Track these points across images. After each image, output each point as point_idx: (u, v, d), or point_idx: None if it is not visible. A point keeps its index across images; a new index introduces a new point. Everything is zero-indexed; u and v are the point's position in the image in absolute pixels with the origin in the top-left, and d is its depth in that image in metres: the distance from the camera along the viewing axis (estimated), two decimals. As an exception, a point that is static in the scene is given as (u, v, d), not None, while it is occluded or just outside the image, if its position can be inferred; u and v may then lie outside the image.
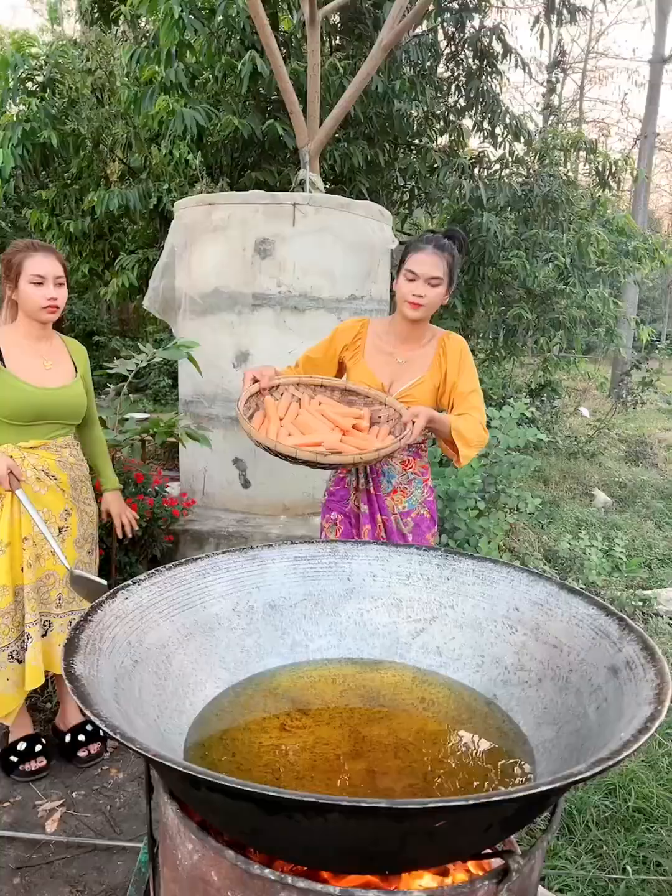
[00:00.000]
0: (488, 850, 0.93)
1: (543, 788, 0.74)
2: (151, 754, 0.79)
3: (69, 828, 2.10)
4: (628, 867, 1.88)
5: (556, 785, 0.75)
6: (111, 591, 1.29)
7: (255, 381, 2.06)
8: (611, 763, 0.80)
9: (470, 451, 2.03)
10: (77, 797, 2.22)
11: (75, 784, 2.28)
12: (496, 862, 0.95)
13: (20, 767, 2.26)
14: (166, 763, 0.77)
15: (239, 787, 0.73)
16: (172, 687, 1.25)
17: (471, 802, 0.72)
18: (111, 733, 0.83)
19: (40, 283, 2.02)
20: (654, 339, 8.11)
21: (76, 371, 2.22)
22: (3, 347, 2.08)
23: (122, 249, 6.30)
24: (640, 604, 3.45)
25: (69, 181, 6.38)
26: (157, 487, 3.11)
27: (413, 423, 1.94)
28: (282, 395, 2.12)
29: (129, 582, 1.33)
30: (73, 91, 6.00)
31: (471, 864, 0.99)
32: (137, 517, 2.50)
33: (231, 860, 0.90)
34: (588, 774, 0.78)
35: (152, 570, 1.38)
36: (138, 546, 3.03)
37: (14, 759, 2.28)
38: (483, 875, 0.89)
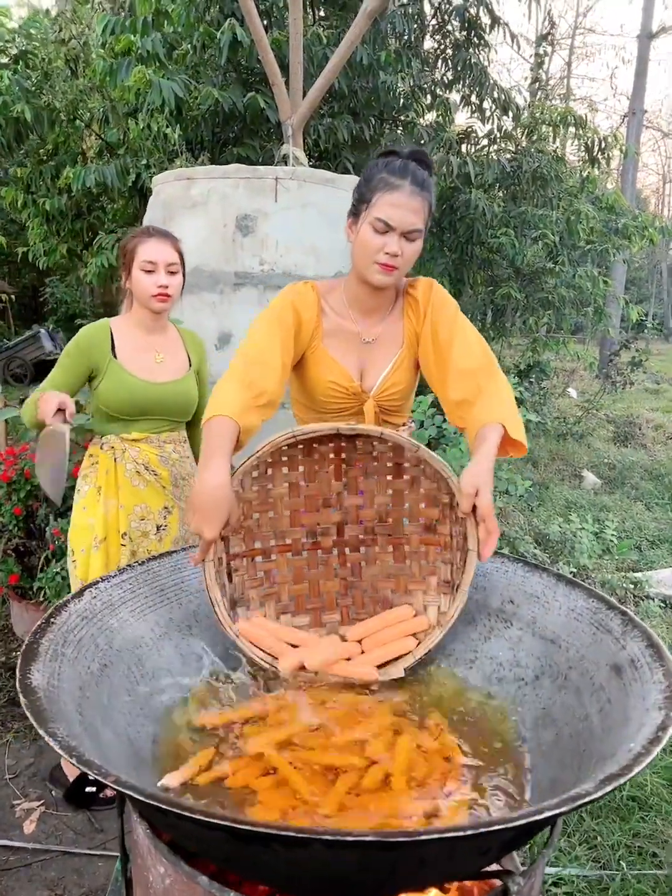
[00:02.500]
0: (486, 869, 0.86)
1: (549, 814, 0.67)
2: (111, 781, 0.70)
3: (48, 828, 2.03)
4: (624, 859, 1.83)
5: (563, 809, 0.68)
6: (78, 589, 1.21)
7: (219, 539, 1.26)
8: (622, 780, 0.73)
9: (521, 424, 1.37)
10: (57, 796, 2.14)
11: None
12: (495, 881, 0.87)
13: (100, 795, 2.09)
14: (126, 792, 0.69)
15: (206, 819, 0.65)
16: (146, 691, 1.17)
17: (468, 833, 0.64)
18: (66, 756, 0.74)
19: (151, 271, 1.90)
20: (643, 318, 8.05)
21: (190, 365, 2.09)
22: (117, 338, 1.97)
23: (101, 229, 6.13)
24: (632, 587, 3.41)
25: (44, 157, 6.18)
26: (137, 474, 3.00)
27: (479, 508, 1.20)
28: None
29: (98, 579, 1.24)
30: (46, 63, 5.78)
31: (468, 883, 0.92)
32: None
33: (205, 887, 0.83)
34: (597, 795, 0.70)
35: (123, 566, 1.29)
36: (118, 535, 2.94)
37: (90, 788, 2.10)
38: (481, 898, 0.82)
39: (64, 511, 2.89)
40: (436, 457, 1.26)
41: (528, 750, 1.08)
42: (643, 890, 1.72)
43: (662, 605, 3.35)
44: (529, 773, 1.04)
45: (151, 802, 0.67)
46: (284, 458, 1.36)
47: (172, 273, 1.94)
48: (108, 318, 2.03)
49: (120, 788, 0.69)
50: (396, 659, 1.27)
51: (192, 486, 1.89)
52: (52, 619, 1.07)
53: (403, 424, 1.66)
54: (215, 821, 0.64)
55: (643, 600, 3.35)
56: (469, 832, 0.64)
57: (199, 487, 1.23)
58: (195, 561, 1.26)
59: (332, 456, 1.37)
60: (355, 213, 1.48)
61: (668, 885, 1.73)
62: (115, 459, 1.99)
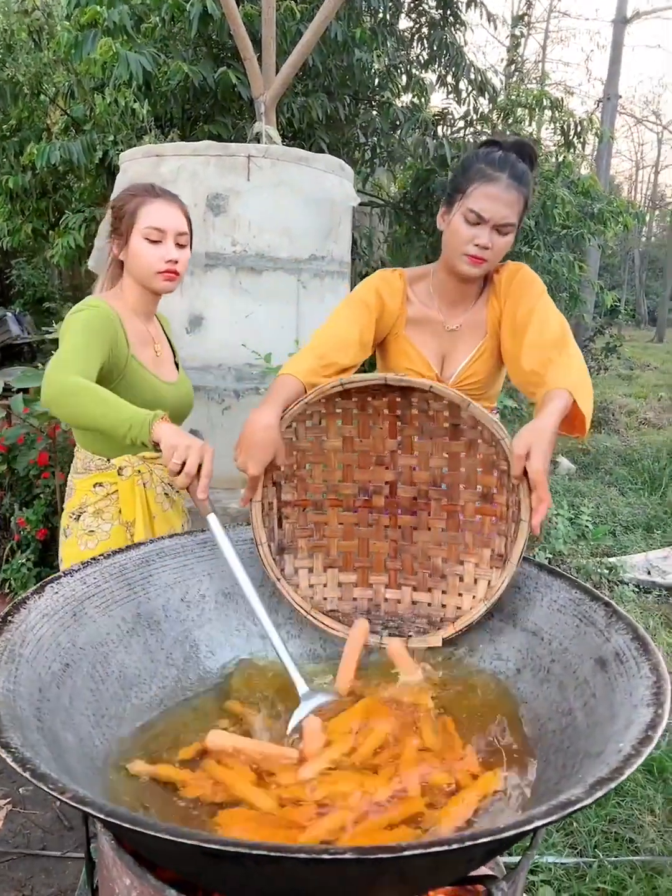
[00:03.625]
0: (468, 875, 0.82)
1: (538, 823, 0.63)
2: (67, 797, 0.65)
3: (16, 826, 1.97)
4: (601, 846, 1.83)
5: (553, 818, 0.64)
6: (38, 584, 1.14)
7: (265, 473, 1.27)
8: (612, 784, 0.69)
9: (591, 397, 1.30)
10: (25, 793, 2.08)
11: (23, 779, 2.14)
12: (478, 887, 0.84)
13: None
14: (85, 809, 0.63)
15: (171, 838, 0.60)
16: (111, 691, 1.11)
17: (453, 847, 0.60)
18: (19, 769, 0.69)
19: (158, 241, 1.52)
20: (617, 304, 8.10)
21: (176, 358, 1.75)
22: (125, 326, 1.55)
23: (67, 208, 5.93)
24: (607, 572, 3.42)
25: (7, 133, 5.96)
26: (106, 461, 2.92)
27: (528, 472, 1.12)
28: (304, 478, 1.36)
29: (60, 573, 1.18)
30: (8, 35, 5.56)
31: (451, 889, 0.89)
32: None
33: (173, 901, 0.78)
34: (588, 801, 0.66)
35: (86, 560, 1.22)
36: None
37: None
38: (463, 906, 0.78)
39: (29, 500, 2.81)
40: (489, 416, 1.17)
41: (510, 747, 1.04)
42: (620, 876, 1.72)
43: (636, 589, 3.38)
44: (511, 769, 1.01)
45: (111, 820, 0.62)
46: (339, 411, 1.32)
47: (182, 246, 1.57)
48: (99, 298, 1.57)
49: (78, 806, 0.63)
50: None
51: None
52: (9, 618, 1.01)
53: (488, 409, 1.57)
54: (181, 840, 0.59)
55: (618, 585, 3.37)
56: (454, 846, 0.60)
57: (248, 426, 1.24)
58: (243, 501, 1.28)
59: (386, 412, 1.30)
60: (449, 202, 1.46)
61: (644, 871, 1.73)
62: (143, 484, 1.59)
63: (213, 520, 1.17)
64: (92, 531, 1.59)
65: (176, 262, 1.55)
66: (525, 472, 1.12)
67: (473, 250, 1.42)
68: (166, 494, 1.66)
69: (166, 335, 1.75)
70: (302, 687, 1.12)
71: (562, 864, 1.77)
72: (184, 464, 1.17)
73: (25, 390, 2.96)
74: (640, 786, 2.06)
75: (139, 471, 1.60)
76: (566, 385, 1.24)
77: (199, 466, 1.18)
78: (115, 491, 1.59)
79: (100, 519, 1.60)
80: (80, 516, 1.60)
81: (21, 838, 1.92)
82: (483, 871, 0.85)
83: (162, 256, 1.53)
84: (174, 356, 1.75)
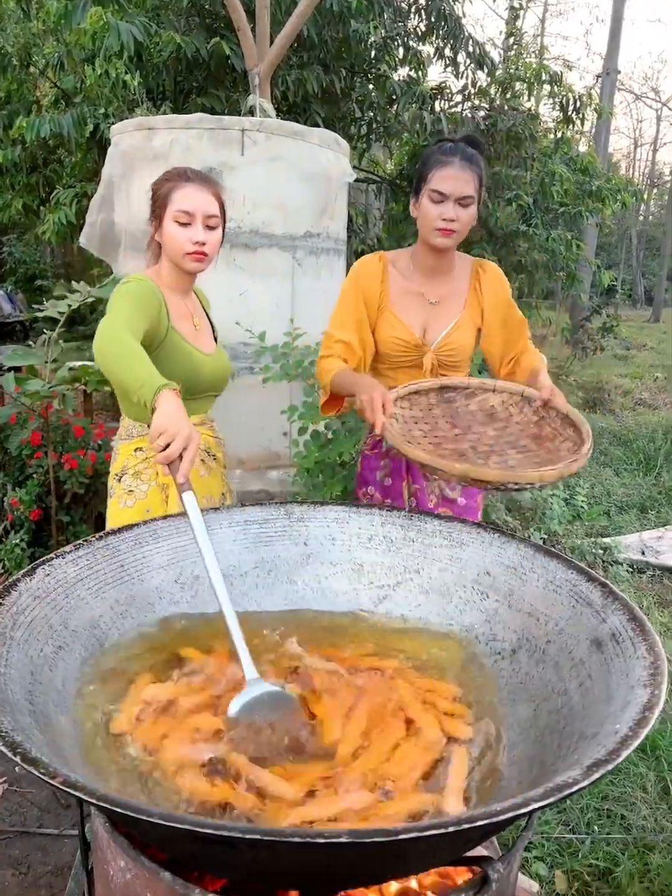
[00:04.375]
0: (464, 856, 0.82)
1: (535, 806, 0.62)
2: (58, 782, 0.64)
3: (12, 805, 1.97)
4: (594, 823, 1.85)
5: (550, 800, 0.63)
6: (29, 566, 1.12)
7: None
8: (609, 766, 0.69)
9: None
10: (21, 772, 2.09)
11: (18, 758, 2.14)
12: (474, 868, 0.84)
13: None
14: (76, 794, 0.62)
15: (165, 822, 0.59)
16: (105, 672, 1.10)
17: (449, 830, 0.59)
18: (9, 753, 0.68)
19: (187, 223, 1.60)
20: (614, 283, 8.04)
21: (213, 330, 1.85)
22: (167, 301, 1.65)
23: (58, 183, 5.83)
24: (601, 552, 3.43)
25: (-4, 106, 5.84)
26: (99, 441, 2.90)
27: (554, 397, 1.57)
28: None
29: (52, 555, 1.16)
30: (-4, 3, 5.41)
31: (446, 869, 0.89)
32: None
33: (168, 883, 0.77)
34: (585, 783, 0.66)
35: (79, 542, 1.21)
36: (81, 504, 2.84)
37: None
38: (459, 887, 0.78)
39: (21, 480, 2.79)
40: (513, 384, 1.64)
41: (508, 726, 1.04)
42: (612, 853, 1.74)
43: (630, 569, 3.39)
44: (506, 750, 1.01)
45: (102, 805, 0.61)
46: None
47: (211, 228, 1.64)
48: (143, 274, 1.68)
49: (69, 791, 0.62)
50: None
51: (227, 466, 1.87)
52: (0, 600, 0.99)
53: None
54: (174, 824, 0.59)
55: (612, 565, 3.38)
56: (450, 829, 0.59)
57: (364, 384, 1.57)
58: (379, 427, 1.44)
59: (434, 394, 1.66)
60: (416, 191, 1.74)
61: (636, 848, 1.75)
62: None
63: (189, 497, 1.18)
64: (131, 491, 1.72)
65: (203, 243, 1.63)
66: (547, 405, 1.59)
67: (441, 224, 1.68)
68: (202, 460, 1.77)
69: (205, 312, 1.85)
70: (250, 672, 1.07)
71: (555, 839, 1.79)
72: (167, 447, 1.21)
73: (17, 369, 2.92)
74: (633, 763, 2.08)
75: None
76: (540, 364, 1.74)
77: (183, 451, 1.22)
78: (153, 454, 1.67)
79: (139, 480, 1.72)
80: (121, 478, 1.74)
81: (17, 817, 1.93)
82: (479, 851, 0.85)
83: (190, 238, 1.61)
84: (213, 331, 1.85)
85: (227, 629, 1.08)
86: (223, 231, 1.70)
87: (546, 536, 3.55)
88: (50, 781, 0.64)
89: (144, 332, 1.52)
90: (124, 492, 1.72)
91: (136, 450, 1.74)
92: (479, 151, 1.73)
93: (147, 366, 1.35)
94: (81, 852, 1.02)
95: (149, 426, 1.28)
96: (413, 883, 0.90)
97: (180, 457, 1.21)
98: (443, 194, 1.66)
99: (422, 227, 1.73)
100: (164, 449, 1.21)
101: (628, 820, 1.86)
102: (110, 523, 1.73)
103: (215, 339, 1.84)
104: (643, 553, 3.54)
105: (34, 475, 2.73)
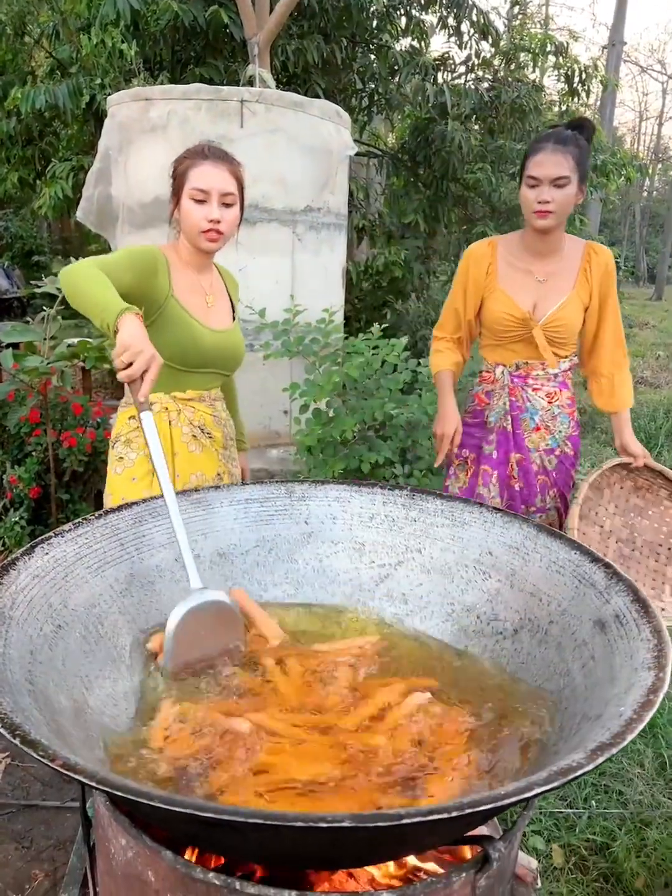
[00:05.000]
0: (465, 836, 0.82)
1: (539, 790, 0.62)
2: (57, 764, 0.63)
3: (15, 779, 1.99)
4: (591, 797, 1.87)
5: (554, 785, 0.63)
6: (28, 545, 1.11)
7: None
8: (614, 749, 0.68)
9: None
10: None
11: (20, 733, 2.16)
12: (475, 847, 0.84)
13: None
14: (75, 777, 0.62)
15: (166, 806, 0.58)
16: (104, 652, 1.10)
17: (452, 815, 0.59)
18: (8, 735, 0.67)
19: (203, 201, 1.60)
20: (617, 260, 7.95)
21: (233, 309, 1.84)
22: (172, 271, 1.66)
23: (54, 156, 5.74)
24: (601, 530, 3.42)
25: (-10, 76, 5.72)
26: (98, 419, 2.88)
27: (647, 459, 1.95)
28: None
29: (51, 534, 1.15)
30: (-12, -31, 5.27)
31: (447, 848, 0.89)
32: None
33: (169, 862, 0.77)
34: (589, 767, 0.65)
35: (77, 520, 1.20)
36: (81, 482, 2.83)
37: None
38: (460, 865, 0.78)
39: (21, 458, 2.77)
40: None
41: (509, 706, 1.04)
42: (609, 827, 1.76)
43: (630, 548, 3.38)
44: (508, 729, 1.01)
45: (102, 788, 0.60)
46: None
47: (227, 205, 1.63)
48: (156, 246, 1.69)
49: (69, 774, 0.62)
50: None
51: (234, 447, 1.94)
52: (-2, 580, 0.99)
53: (566, 357, 1.99)
54: (175, 808, 0.58)
55: (611, 544, 3.38)
56: (453, 814, 0.59)
57: (443, 413, 1.99)
58: (438, 462, 2.02)
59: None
60: (520, 179, 1.86)
61: (633, 823, 1.77)
62: (169, 422, 1.71)
63: (147, 416, 1.22)
64: (121, 458, 1.74)
65: (218, 221, 1.62)
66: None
67: (538, 206, 1.79)
68: (194, 436, 1.76)
69: (229, 293, 1.83)
70: (195, 581, 1.15)
71: (552, 814, 1.81)
72: (130, 365, 1.24)
73: (15, 345, 2.89)
74: (631, 740, 2.09)
75: (167, 408, 1.70)
76: (629, 404, 1.99)
77: (146, 371, 1.25)
78: None
79: (129, 448, 1.74)
80: (115, 444, 1.76)
81: (20, 791, 1.95)
82: (480, 830, 0.85)
83: (205, 216, 1.61)
84: (233, 310, 1.82)
85: (175, 534, 1.16)
86: (241, 208, 1.68)
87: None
88: (49, 764, 0.63)
89: (128, 286, 1.51)
90: (116, 458, 1.75)
91: (130, 418, 1.74)
92: (584, 131, 1.83)
93: (109, 290, 1.37)
94: (83, 829, 1.03)
95: None
96: (413, 860, 0.90)
97: (142, 377, 1.24)
98: (536, 179, 1.78)
99: (524, 212, 1.85)
100: (127, 368, 1.23)
101: (626, 795, 1.88)
102: (106, 489, 1.78)
103: (234, 319, 1.81)
104: (643, 532, 3.54)
105: (33, 453, 2.72)
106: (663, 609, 1.84)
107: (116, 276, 1.48)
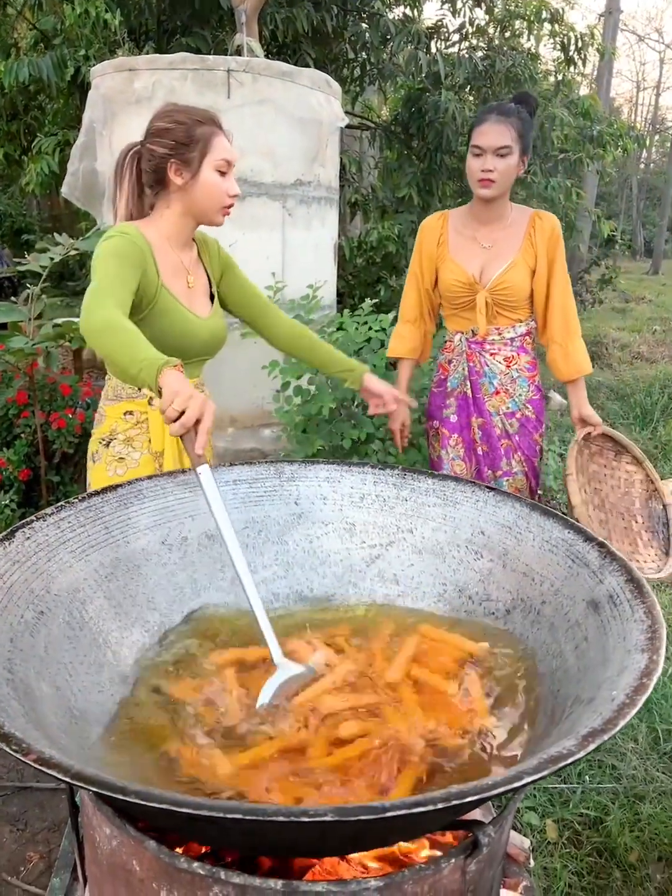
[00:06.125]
0: (455, 821, 0.81)
1: (528, 780, 0.60)
2: (31, 759, 0.61)
3: (9, 762, 1.99)
4: (585, 772, 1.87)
5: (544, 773, 0.61)
6: (8, 530, 1.09)
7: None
8: (606, 736, 0.66)
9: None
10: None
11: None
12: (465, 832, 0.83)
13: None
14: (51, 773, 0.60)
15: (140, 801, 0.56)
16: (89, 638, 1.07)
17: (439, 807, 0.57)
18: (-19, 730, 0.65)
19: (226, 173, 1.51)
20: (613, 234, 7.86)
21: (211, 285, 1.68)
22: (155, 254, 1.51)
23: (39, 131, 5.61)
24: (596, 507, 3.41)
25: (-29, 48, 5.56)
26: (87, 400, 2.84)
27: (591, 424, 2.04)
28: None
29: (32, 518, 1.12)
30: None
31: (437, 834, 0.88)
32: None
33: (153, 851, 0.76)
34: (580, 754, 0.64)
35: (60, 503, 1.17)
36: (70, 463, 2.80)
37: None
38: (449, 851, 0.77)
39: (9, 440, 2.74)
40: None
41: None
42: (603, 802, 1.76)
43: (625, 524, 3.38)
44: (500, 710, 0.99)
45: (78, 784, 0.58)
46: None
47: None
48: (130, 224, 1.51)
49: (43, 769, 0.60)
50: None
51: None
52: (-24, 567, 0.96)
53: (521, 321, 2.03)
54: (153, 804, 0.56)
55: (607, 520, 3.37)
56: (439, 806, 0.57)
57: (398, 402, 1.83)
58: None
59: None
60: (468, 152, 1.92)
61: (627, 797, 1.77)
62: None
63: (205, 471, 1.12)
64: (122, 458, 1.63)
65: (237, 197, 1.55)
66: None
67: (481, 175, 1.85)
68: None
69: (204, 266, 1.67)
70: (277, 654, 1.04)
71: (545, 789, 1.82)
72: (182, 413, 1.12)
73: (3, 326, 2.84)
74: (624, 715, 2.10)
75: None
76: (584, 371, 2.03)
77: (199, 420, 1.14)
78: (145, 419, 1.62)
79: (130, 447, 1.63)
80: (110, 443, 1.64)
81: (15, 773, 1.94)
82: (474, 814, 0.84)
83: (228, 191, 1.51)
84: (210, 286, 1.68)
85: (256, 620, 1.05)
86: None
87: (541, 492, 3.53)
88: (23, 759, 0.61)
89: (132, 292, 1.41)
90: (114, 459, 1.64)
91: (126, 413, 1.64)
92: (526, 106, 1.90)
93: (144, 347, 1.23)
94: (71, 816, 1.01)
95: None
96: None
97: (195, 427, 1.13)
98: (480, 148, 1.84)
99: (469, 181, 1.91)
100: (178, 418, 1.11)
101: (619, 770, 1.89)
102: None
103: (212, 298, 1.68)
104: (638, 508, 3.53)
105: (22, 435, 2.68)
106: (641, 567, 1.93)
107: (128, 290, 1.38)
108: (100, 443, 1.66)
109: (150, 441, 1.63)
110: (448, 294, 2.03)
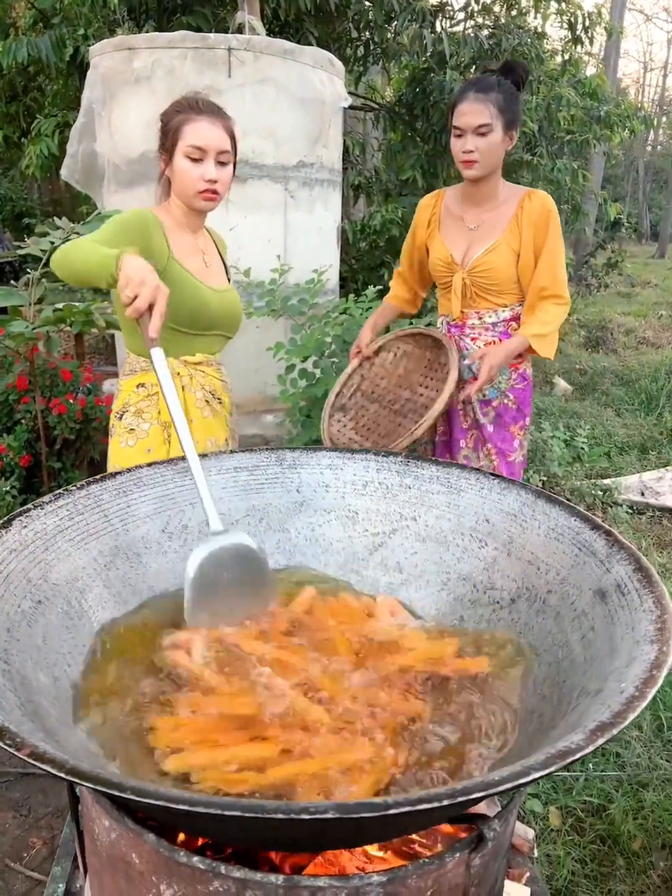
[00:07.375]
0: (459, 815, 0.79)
1: (535, 775, 0.58)
2: (24, 753, 0.60)
3: (12, 747, 1.99)
4: (588, 759, 1.87)
5: (551, 769, 0.59)
6: (5, 518, 1.07)
7: (358, 352, 2.08)
8: (615, 730, 0.64)
9: (552, 344, 1.92)
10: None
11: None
12: (470, 826, 0.81)
13: None
14: (44, 767, 0.58)
15: (136, 797, 0.55)
16: (88, 627, 1.06)
17: (444, 803, 0.55)
18: (-25, 723, 0.63)
19: (199, 159, 1.53)
20: (620, 217, 7.75)
21: (227, 271, 1.80)
22: (167, 233, 1.60)
23: (39, 112, 5.54)
24: (601, 494, 3.40)
25: (-31, 28, 5.48)
26: (88, 385, 2.82)
27: (480, 360, 1.86)
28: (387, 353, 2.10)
29: (30, 506, 1.11)
30: None
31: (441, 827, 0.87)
32: None
33: (152, 844, 0.75)
34: (589, 749, 0.62)
35: (58, 491, 1.15)
36: (72, 449, 2.78)
37: None
38: (454, 845, 0.75)
39: (10, 426, 2.72)
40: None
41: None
42: (606, 790, 1.76)
43: (630, 511, 3.36)
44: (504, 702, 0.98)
45: (72, 779, 0.57)
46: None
47: (223, 164, 1.57)
48: (151, 207, 1.63)
49: (36, 763, 0.58)
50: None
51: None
52: (-28, 555, 0.94)
53: (505, 307, 1.96)
54: (148, 801, 0.55)
55: (612, 507, 3.36)
56: (444, 803, 0.55)
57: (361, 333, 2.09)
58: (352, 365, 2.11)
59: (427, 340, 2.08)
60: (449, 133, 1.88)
61: (630, 785, 1.77)
62: (182, 387, 1.65)
63: (157, 353, 1.17)
64: (132, 429, 1.67)
65: (215, 181, 1.56)
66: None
67: (463, 156, 1.81)
68: (207, 402, 1.71)
69: (220, 254, 1.79)
70: (215, 523, 1.11)
71: (548, 775, 1.81)
72: (135, 297, 1.20)
73: (3, 310, 2.81)
74: (628, 703, 2.09)
75: (179, 372, 1.64)
76: (529, 333, 1.87)
77: (152, 304, 1.21)
78: (155, 392, 1.66)
79: (140, 418, 1.67)
80: (122, 415, 1.69)
81: (18, 759, 1.94)
82: (478, 808, 0.83)
83: (202, 176, 1.54)
84: (226, 271, 1.79)
85: (192, 476, 1.12)
86: (234, 167, 1.62)
87: (546, 479, 3.51)
88: (16, 753, 0.60)
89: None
90: (125, 430, 1.68)
91: (138, 386, 1.68)
92: (513, 75, 1.83)
93: (101, 249, 1.34)
94: (71, 807, 1.00)
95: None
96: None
97: (150, 311, 1.20)
98: (460, 128, 1.79)
99: (455, 162, 1.88)
100: (132, 301, 1.20)
101: (623, 757, 1.88)
102: (111, 462, 1.71)
103: (228, 280, 1.79)
104: (643, 494, 3.51)
105: (22, 421, 2.66)
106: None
107: (112, 247, 1.39)
108: (115, 416, 1.71)
109: (159, 412, 1.66)
110: (434, 273, 2.03)
